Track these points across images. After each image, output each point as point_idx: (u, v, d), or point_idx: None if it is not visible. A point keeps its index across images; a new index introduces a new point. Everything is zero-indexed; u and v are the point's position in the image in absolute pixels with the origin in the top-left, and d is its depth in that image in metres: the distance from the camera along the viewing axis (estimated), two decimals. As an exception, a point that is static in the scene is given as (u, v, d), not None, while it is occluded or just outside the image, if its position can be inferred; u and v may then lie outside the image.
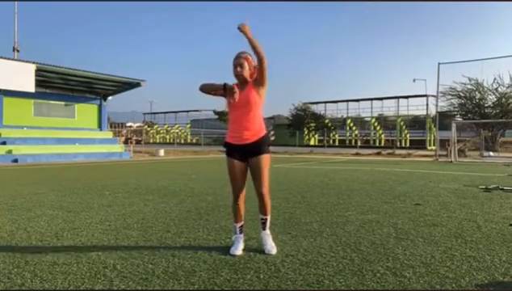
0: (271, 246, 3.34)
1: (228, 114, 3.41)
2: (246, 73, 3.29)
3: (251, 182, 3.37)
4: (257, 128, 3.31)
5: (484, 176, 11.01)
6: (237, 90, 3.19)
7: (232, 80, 3.37)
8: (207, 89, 3.36)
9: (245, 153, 3.32)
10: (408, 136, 48.76)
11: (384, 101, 50.28)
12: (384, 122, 53.24)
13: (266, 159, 3.34)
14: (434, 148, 31.51)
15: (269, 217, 3.44)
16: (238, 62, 3.26)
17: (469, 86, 35.02)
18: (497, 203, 6.05)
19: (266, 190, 3.34)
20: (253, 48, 3.14)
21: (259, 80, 3.27)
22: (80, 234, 3.96)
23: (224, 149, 3.44)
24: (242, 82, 3.33)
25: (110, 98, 24.85)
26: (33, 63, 18.29)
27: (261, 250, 3.34)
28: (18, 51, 24.14)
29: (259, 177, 3.31)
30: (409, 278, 2.73)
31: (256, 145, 3.29)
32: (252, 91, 3.27)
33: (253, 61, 3.30)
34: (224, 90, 3.23)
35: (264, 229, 3.42)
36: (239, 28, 3.14)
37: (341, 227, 4.30)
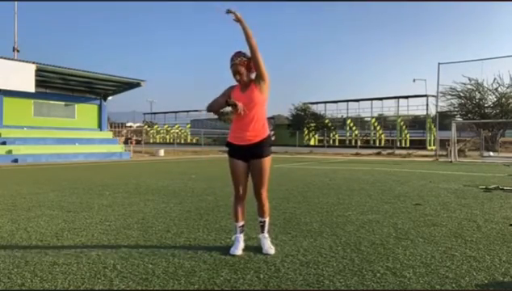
0: (269, 248, 3.34)
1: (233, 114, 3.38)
2: (246, 77, 3.26)
3: (251, 182, 3.37)
4: (259, 129, 3.28)
5: (484, 176, 11.01)
6: (240, 104, 3.14)
7: (231, 80, 3.36)
8: (215, 108, 3.35)
9: (247, 154, 3.31)
10: (408, 136, 48.71)
11: (384, 101, 50.28)
12: (384, 122, 53.20)
13: (267, 161, 3.33)
14: (434, 148, 31.55)
15: (267, 220, 3.44)
16: (236, 70, 3.21)
17: (469, 86, 34.95)
18: (497, 203, 6.05)
19: (264, 192, 3.35)
20: (247, 38, 3.08)
21: (258, 75, 3.23)
22: (80, 234, 3.96)
23: (226, 149, 3.43)
24: (244, 84, 3.30)
25: (110, 98, 24.86)
26: (33, 63, 18.29)
27: (261, 251, 3.34)
28: (18, 51, 24.13)
29: (260, 179, 3.31)
30: (409, 278, 2.73)
31: (258, 147, 3.28)
32: (254, 91, 3.24)
33: (247, 54, 3.21)
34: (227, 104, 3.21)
35: (263, 231, 3.42)
36: (234, 14, 3.01)
37: (341, 227, 4.30)
